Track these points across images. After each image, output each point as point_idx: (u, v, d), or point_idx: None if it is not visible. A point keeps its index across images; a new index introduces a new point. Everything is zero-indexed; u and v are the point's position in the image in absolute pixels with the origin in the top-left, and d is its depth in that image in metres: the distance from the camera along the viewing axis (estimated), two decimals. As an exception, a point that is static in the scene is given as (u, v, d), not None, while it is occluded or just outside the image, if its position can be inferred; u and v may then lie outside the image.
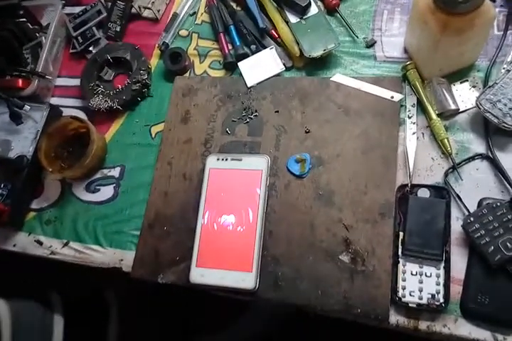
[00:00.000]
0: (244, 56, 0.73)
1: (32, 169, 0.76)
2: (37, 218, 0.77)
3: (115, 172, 0.76)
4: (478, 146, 0.60)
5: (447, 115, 0.61)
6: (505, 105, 0.56)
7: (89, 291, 0.91)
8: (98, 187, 0.76)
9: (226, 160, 0.67)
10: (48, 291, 0.85)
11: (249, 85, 0.71)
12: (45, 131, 0.76)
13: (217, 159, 0.67)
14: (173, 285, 0.65)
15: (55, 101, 0.85)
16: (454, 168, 0.58)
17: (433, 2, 0.55)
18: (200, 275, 0.62)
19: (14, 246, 0.76)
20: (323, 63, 0.70)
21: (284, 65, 0.71)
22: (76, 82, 0.83)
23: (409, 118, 0.62)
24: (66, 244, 0.73)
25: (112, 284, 0.91)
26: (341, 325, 0.59)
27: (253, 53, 0.73)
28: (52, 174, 0.75)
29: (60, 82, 0.87)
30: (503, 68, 0.61)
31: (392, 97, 0.63)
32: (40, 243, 0.75)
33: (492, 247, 0.52)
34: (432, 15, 0.55)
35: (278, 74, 0.71)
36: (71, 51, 0.87)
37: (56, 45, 0.86)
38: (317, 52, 0.67)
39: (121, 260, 0.69)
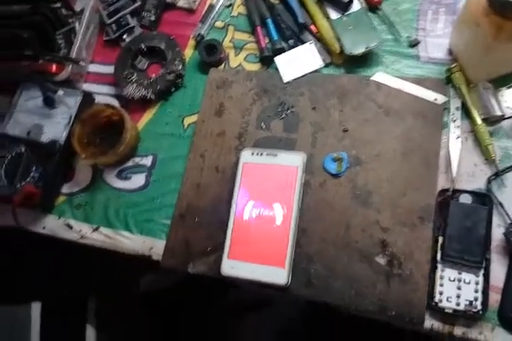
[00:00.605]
0: (282, 51, 0.67)
1: (64, 154, 0.71)
2: (67, 202, 0.72)
3: (147, 161, 0.71)
4: (523, 154, 0.55)
5: (492, 120, 0.56)
6: (555, 113, 0.51)
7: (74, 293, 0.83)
8: (129, 175, 0.71)
9: (261, 155, 0.62)
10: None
11: (285, 81, 0.66)
12: (78, 117, 0.71)
13: (252, 153, 0.62)
14: (203, 276, 0.61)
15: (87, 87, 0.79)
16: (498, 174, 0.53)
17: (488, 4, 0.49)
18: (231, 267, 0.58)
19: (44, 228, 0.72)
20: (363, 61, 0.65)
21: (323, 60, 0.65)
22: (109, 69, 0.78)
23: (454, 121, 0.57)
24: (96, 229, 0.69)
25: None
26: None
27: (291, 48, 0.67)
28: (85, 160, 0.70)
29: (93, 68, 0.81)
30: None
31: (436, 99, 0.58)
32: (70, 227, 0.70)
33: (535, 257, 0.48)
34: (486, 18, 0.50)
35: (316, 71, 0.65)
36: (105, 38, 0.81)
37: (90, 31, 0.80)
38: (359, 50, 0.62)
39: (151, 248, 0.65)
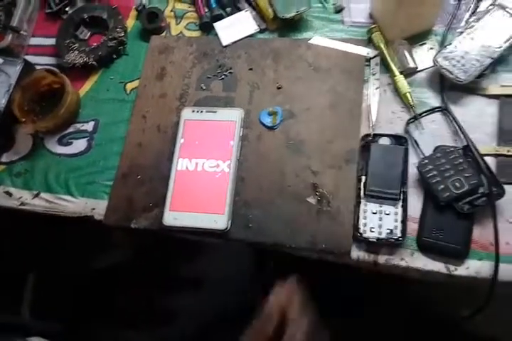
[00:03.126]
0: (220, 17, 0.75)
1: (3, 121, 0.74)
2: (6, 171, 0.75)
3: (88, 126, 0.75)
4: (435, 101, 0.64)
5: (407, 73, 0.66)
6: (458, 62, 0.61)
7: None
8: (71, 141, 0.75)
9: (201, 112, 0.68)
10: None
11: (224, 44, 0.73)
12: (18, 84, 0.75)
13: (193, 111, 0.69)
14: (146, 230, 0.66)
15: (28, 59, 0.83)
16: (415, 117, 0.62)
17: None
18: (174, 218, 0.63)
19: (-18, 198, 0.74)
20: (294, 26, 0.73)
21: (258, 26, 0.74)
22: (51, 41, 0.82)
23: (373, 75, 0.66)
24: (37, 195, 0.72)
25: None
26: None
27: (228, 15, 0.75)
28: (25, 125, 0.74)
29: (35, 41, 0.85)
30: (457, 32, 0.66)
31: (368, 53, 0.67)
32: (9, 194, 0.73)
33: (442, 186, 0.56)
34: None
35: (252, 35, 0.74)
36: (47, 11, 0.85)
37: (31, 4, 0.85)
38: (290, 14, 0.70)
39: (93, 209, 0.69)
